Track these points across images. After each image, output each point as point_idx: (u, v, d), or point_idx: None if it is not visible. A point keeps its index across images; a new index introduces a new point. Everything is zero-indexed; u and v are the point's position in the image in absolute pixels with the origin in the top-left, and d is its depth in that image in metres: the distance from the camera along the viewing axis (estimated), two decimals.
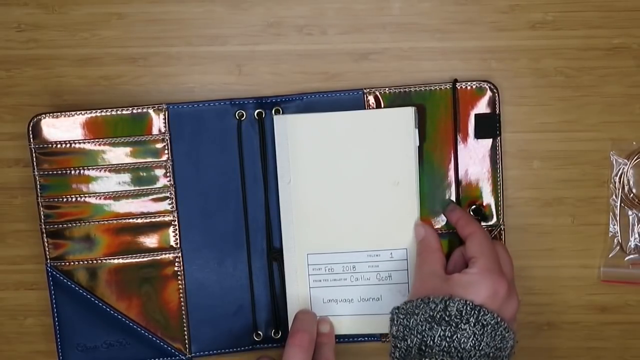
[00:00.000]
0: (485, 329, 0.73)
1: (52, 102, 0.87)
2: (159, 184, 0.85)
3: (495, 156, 0.85)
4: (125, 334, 0.86)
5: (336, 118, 0.83)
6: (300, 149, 0.83)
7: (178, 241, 0.86)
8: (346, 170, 0.83)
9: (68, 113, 0.83)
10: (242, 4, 0.86)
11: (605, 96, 0.86)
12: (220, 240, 0.86)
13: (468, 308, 0.73)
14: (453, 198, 0.85)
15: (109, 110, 0.84)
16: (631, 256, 0.88)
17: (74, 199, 0.84)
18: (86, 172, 0.84)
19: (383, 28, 0.86)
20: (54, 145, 0.83)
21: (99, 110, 0.83)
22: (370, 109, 0.85)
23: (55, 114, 0.83)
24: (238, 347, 0.87)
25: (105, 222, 0.85)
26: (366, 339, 0.87)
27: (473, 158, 0.85)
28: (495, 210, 0.85)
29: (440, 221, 0.85)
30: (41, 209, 0.84)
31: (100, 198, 0.84)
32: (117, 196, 0.84)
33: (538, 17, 0.85)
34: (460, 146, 0.84)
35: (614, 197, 0.87)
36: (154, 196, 0.85)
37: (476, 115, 0.84)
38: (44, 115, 0.83)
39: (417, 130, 0.82)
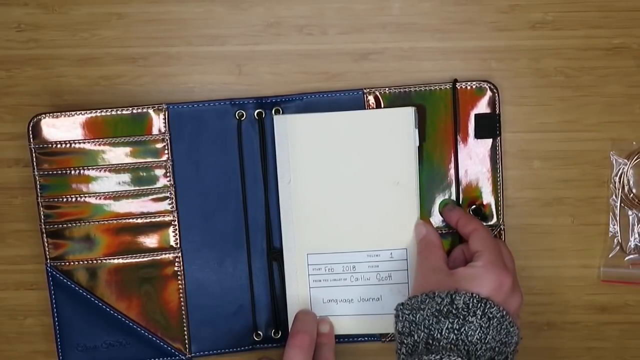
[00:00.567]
0: (492, 322, 0.72)
1: (52, 102, 0.87)
2: (159, 184, 0.85)
3: (495, 156, 0.85)
4: (125, 334, 0.86)
5: (336, 118, 0.83)
6: (300, 149, 0.83)
7: (178, 241, 0.86)
8: (346, 170, 0.83)
9: (68, 113, 0.83)
10: (242, 4, 0.86)
11: (605, 96, 0.86)
12: (220, 240, 0.86)
13: (475, 300, 0.73)
14: (453, 198, 0.85)
15: (109, 110, 0.84)
16: (631, 256, 0.88)
17: (74, 199, 0.84)
18: (86, 172, 0.84)
19: (383, 28, 0.86)
20: (54, 145, 0.83)
21: (99, 110, 0.83)
22: (370, 109, 0.85)
23: (55, 114, 0.83)
24: (238, 347, 0.87)
25: (105, 222, 0.85)
26: (366, 339, 0.87)
27: (473, 158, 0.85)
28: (495, 210, 0.85)
29: (440, 221, 0.85)
30: (41, 209, 0.84)
31: (100, 198, 0.84)
32: (117, 196, 0.84)
33: (538, 17, 0.85)
34: (460, 146, 0.85)
35: (614, 197, 0.87)
36: (154, 196, 0.85)
37: (476, 115, 0.84)
38: (44, 115, 0.83)
39: (417, 130, 0.82)
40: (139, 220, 0.85)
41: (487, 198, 0.85)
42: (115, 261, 0.85)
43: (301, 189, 0.83)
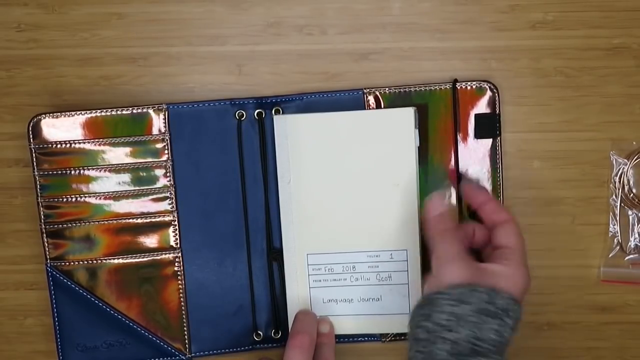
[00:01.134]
0: (517, 324, 0.73)
1: (52, 102, 0.87)
2: (159, 184, 0.85)
3: (495, 156, 0.85)
4: (125, 333, 0.86)
5: (336, 118, 0.83)
6: (300, 149, 0.83)
7: (178, 241, 0.86)
8: (346, 170, 0.83)
9: (68, 113, 0.83)
10: (242, 4, 0.86)
11: (605, 96, 0.86)
12: (220, 240, 0.86)
13: (512, 303, 0.72)
14: (453, 198, 0.85)
15: (109, 110, 0.84)
16: (631, 256, 0.88)
17: (74, 199, 0.84)
18: (86, 172, 0.84)
19: (383, 28, 0.86)
20: (54, 146, 0.83)
21: (99, 110, 0.83)
22: (370, 109, 0.85)
23: (55, 114, 0.83)
24: (238, 347, 0.87)
25: (105, 222, 0.85)
26: (366, 339, 0.87)
27: (473, 158, 0.85)
28: None
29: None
30: (41, 209, 0.84)
31: (100, 198, 0.84)
32: (117, 196, 0.84)
33: (538, 17, 0.85)
34: (460, 146, 0.85)
35: (614, 197, 0.87)
36: (154, 196, 0.85)
37: (476, 115, 0.84)
38: (44, 116, 0.83)
39: (417, 130, 0.82)
40: (139, 220, 0.85)
41: None
42: (115, 261, 0.85)
43: (301, 189, 0.83)
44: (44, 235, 0.84)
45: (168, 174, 0.85)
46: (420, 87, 0.84)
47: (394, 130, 0.82)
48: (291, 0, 0.86)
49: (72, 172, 0.84)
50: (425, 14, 0.86)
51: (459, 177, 0.85)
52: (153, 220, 0.85)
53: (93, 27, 0.87)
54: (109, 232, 0.85)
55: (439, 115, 0.84)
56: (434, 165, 0.85)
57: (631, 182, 0.87)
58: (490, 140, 0.85)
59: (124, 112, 0.84)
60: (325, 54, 0.86)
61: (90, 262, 0.85)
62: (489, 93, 0.84)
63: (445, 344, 0.71)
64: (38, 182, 0.84)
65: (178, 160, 0.85)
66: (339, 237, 0.84)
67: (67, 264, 0.85)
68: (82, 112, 0.83)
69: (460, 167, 0.85)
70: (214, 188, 0.85)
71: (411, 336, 0.74)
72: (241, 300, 0.87)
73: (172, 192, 0.85)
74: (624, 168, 0.86)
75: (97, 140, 0.84)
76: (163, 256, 0.86)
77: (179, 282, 0.86)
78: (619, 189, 0.86)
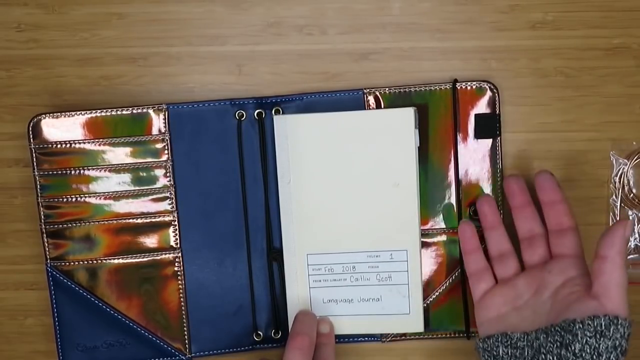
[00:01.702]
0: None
1: (52, 102, 0.87)
2: (159, 184, 0.85)
3: (495, 156, 0.85)
4: (125, 334, 0.86)
5: (336, 118, 0.83)
6: (300, 149, 0.83)
7: (178, 241, 0.86)
8: (346, 170, 0.83)
9: (68, 113, 0.83)
10: (242, 4, 0.86)
11: (605, 96, 0.86)
12: (220, 240, 0.86)
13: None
14: (453, 198, 0.85)
15: (109, 110, 0.84)
16: (631, 256, 0.87)
17: (74, 199, 0.84)
18: (86, 172, 0.84)
19: (383, 28, 0.86)
20: (54, 146, 0.83)
21: (99, 111, 0.83)
22: (370, 109, 0.85)
23: (55, 114, 0.83)
24: (238, 347, 0.87)
25: (105, 222, 0.85)
26: (366, 339, 0.87)
27: (473, 158, 0.85)
28: None
29: (439, 222, 0.85)
30: (41, 209, 0.84)
31: (100, 198, 0.84)
32: (117, 196, 0.84)
33: (538, 17, 0.85)
34: (460, 146, 0.85)
35: (614, 197, 0.87)
36: (154, 196, 0.85)
37: (476, 116, 0.84)
38: (44, 116, 0.83)
39: (417, 130, 0.82)
40: (139, 221, 0.85)
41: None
42: (116, 261, 0.85)
43: (301, 189, 0.83)
44: (44, 235, 0.84)
45: (168, 174, 0.85)
46: (420, 87, 0.84)
47: (394, 130, 0.82)
48: (291, 0, 0.86)
49: (72, 172, 0.84)
50: (425, 14, 0.86)
51: (457, 178, 0.85)
52: (153, 220, 0.85)
53: (93, 27, 0.87)
54: (109, 232, 0.85)
55: (439, 115, 0.84)
56: (434, 165, 0.85)
57: (631, 182, 0.87)
58: (490, 140, 0.85)
59: (124, 112, 0.84)
60: (325, 54, 0.86)
61: (91, 262, 0.85)
62: (489, 93, 0.84)
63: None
64: (38, 182, 0.84)
65: (178, 160, 0.85)
66: (339, 237, 0.84)
67: (67, 264, 0.85)
68: (82, 112, 0.83)
69: (460, 167, 0.85)
70: (214, 188, 0.85)
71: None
72: (241, 300, 0.87)
73: (172, 192, 0.85)
74: (624, 168, 0.86)
75: (97, 140, 0.84)
76: (163, 256, 0.86)
77: (179, 282, 0.86)
78: (619, 189, 0.86)
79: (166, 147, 0.85)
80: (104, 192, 0.84)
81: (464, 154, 0.85)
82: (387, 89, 0.85)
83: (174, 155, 0.85)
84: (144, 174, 0.85)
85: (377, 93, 0.85)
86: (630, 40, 0.85)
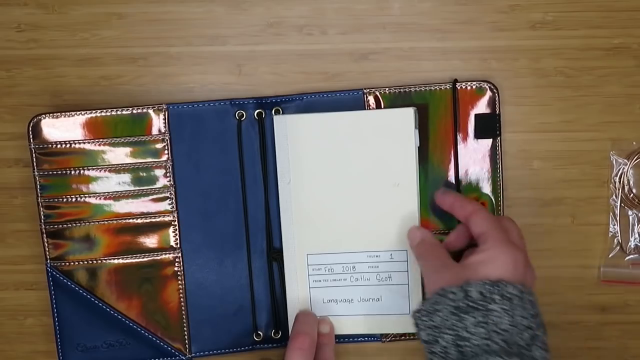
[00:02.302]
0: (513, 301, 0.70)
1: (52, 102, 0.87)
2: (159, 184, 0.85)
3: (495, 156, 0.85)
4: (125, 334, 0.86)
5: (336, 118, 0.83)
6: (300, 149, 0.83)
7: (178, 241, 0.86)
8: (346, 170, 0.83)
9: (68, 113, 0.83)
10: (242, 4, 0.86)
11: (605, 96, 0.86)
12: (220, 240, 0.86)
13: (487, 286, 0.70)
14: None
15: (109, 110, 0.84)
16: (631, 256, 0.88)
17: (74, 199, 0.84)
18: (86, 172, 0.84)
19: (383, 28, 0.86)
20: (54, 146, 0.83)
21: (99, 111, 0.83)
22: (370, 109, 0.85)
23: (55, 114, 0.83)
24: (238, 347, 0.87)
25: (105, 222, 0.85)
26: (366, 339, 0.87)
27: (473, 158, 0.85)
28: (495, 210, 0.85)
29: (440, 222, 0.85)
30: (41, 209, 0.84)
31: (100, 198, 0.84)
32: (117, 196, 0.84)
33: (538, 17, 0.85)
34: (460, 146, 0.84)
35: (614, 197, 0.87)
36: (154, 196, 0.85)
37: (476, 115, 0.84)
38: (44, 116, 0.83)
39: (417, 130, 0.82)
40: (139, 221, 0.85)
41: (487, 198, 0.85)
42: (116, 261, 0.85)
43: (301, 189, 0.83)
44: (44, 235, 0.84)
45: (168, 174, 0.85)
46: (420, 87, 0.84)
47: (394, 130, 0.82)
48: (291, 0, 0.86)
49: (72, 172, 0.84)
50: (425, 14, 0.86)
51: (457, 178, 0.85)
52: (153, 220, 0.85)
53: (93, 27, 0.87)
54: (109, 232, 0.85)
55: (439, 115, 0.84)
56: (434, 165, 0.85)
57: (631, 182, 0.87)
58: (490, 140, 0.85)
59: (124, 112, 0.84)
60: (325, 54, 0.86)
61: (91, 262, 0.85)
62: (489, 93, 0.84)
63: (436, 356, 0.71)
64: (38, 182, 0.84)
65: (178, 160, 0.85)
66: (339, 237, 0.84)
67: (67, 264, 0.85)
68: (82, 112, 0.83)
69: (460, 167, 0.85)
70: (214, 188, 0.85)
71: None
72: (241, 301, 0.87)
73: (172, 192, 0.85)
74: (624, 168, 0.86)
75: (97, 140, 0.84)
76: (163, 256, 0.86)
77: (179, 282, 0.86)
78: (619, 189, 0.86)
79: (166, 147, 0.84)
80: (104, 192, 0.84)
81: (464, 154, 0.85)
82: (387, 89, 0.85)
83: (174, 155, 0.85)
84: (144, 174, 0.85)
85: (377, 93, 0.85)
86: (630, 40, 0.85)
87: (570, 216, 0.87)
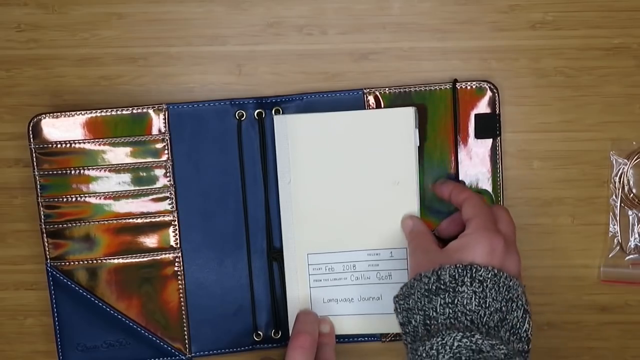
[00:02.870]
0: (485, 284, 0.71)
1: (52, 102, 0.87)
2: (159, 184, 0.85)
3: (495, 156, 0.85)
4: (126, 333, 0.86)
5: (336, 118, 0.83)
6: (300, 149, 0.83)
7: (178, 241, 0.86)
8: (346, 170, 0.83)
9: (68, 113, 0.83)
10: (242, 4, 0.86)
11: (605, 96, 0.86)
12: (220, 240, 0.86)
13: (459, 270, 0.71)
14: None
15: (109, 110, 0.84)
16: (631, 256, 0.88)
17: (74, 199, 0.84)
18: (86, 172, 0.84)
19: (383, 28, 0.86)
20: (54, 146, 0.83)
21: (99, 110, 0.83)
22: (370, 109, 0.85)
23: (55, 114, 0.83)
24: (238, 347, 0.87)
25: (106, 222, 0.85)
26: (366, 339, 0.87)
27: (473, 158, 0.85)
28: None
29: (439, 221, 0.85)
30: (41, 208, 0.84)
31: (100, 198, 0.84)
32: (117, 196, 0.84)
33: (538, 17, 0.85)
34: (460, 146, 0.84)
35: (614, 197, 0.87)
36: (154, 196, 0.85)
37: (476, 115, 0.84)
38: (44, 116, 0.83)
39: (417, 130, 0.82)
40: (139, 220, 0.85)
41: (487, 198, 0.85)
42: (116, 261, 0.85)
43: (301, 189, 0.83)
44: (44, 235, 0.84)
45: (168, 174, 0.85)
46: (420, 87, 0.84)
47: (394, 130, 0.82)
48: (291, 0, 0.86)
49: (72, 172, 0.84)
50: (425, 14, 0.86)
51: (457, 178, 0.85)
52: (153, 220, 0.85)
53: (93, 27, 0.87)
54: (109, 232, 0.85)
55: (439, 115, 0.84)
56: (434, 165, 0.85)
57: (631, 182, 0.87)
58: (490, 140, 0.85)
59: (124, 112, 0.84)
60: (325, 54, 0.86)
61: (91, 262, 0.85)
62: (489, 93, 0.84)
63: (407, 336, 0.73)
64: (38, 182, 0.84)
65: (178, 160, 0.85)
66: (339, 236, 0.84)
67: (67, 263, 0.85)
68: (82, 112, 0.83)
69: (460, 167, 0.85)
70: (214, 188, 0.85)
71: None
72: (241, 300, 0.87)
73: (172, 192, 0.85)
74: (624, 168, 0.86)
75: (97, 140, 0.84)
76: (163, 256, 0.86)
77: (179, 282, 0.86)
78: (619, 189, 0.86)
79: (166, 147, 0.84)
80: (104, 192, 0.84)
81: (464, 154, 0.85)
82: (387, 89, 0.85)
83: (174, 155, 0.85)
84: (144, 174, 0.85)
85: (377, 93, 0.85)
86: (630, 40, 0.85)
87: (570, 216, 0.87)
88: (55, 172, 0.84)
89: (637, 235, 0.87)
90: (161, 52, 0.87)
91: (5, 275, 0.89)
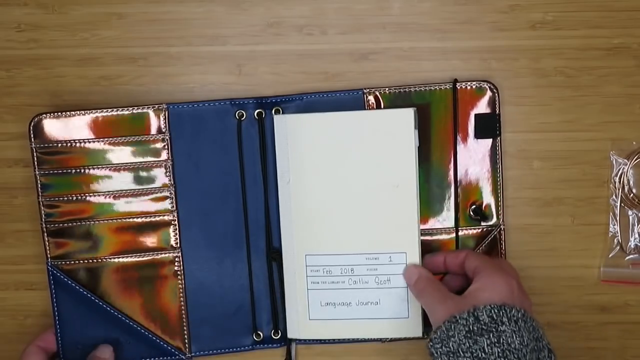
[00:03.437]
0: (519, 323, 0.73)
1: (52, 102, 0.87)
2: (159, 184, 0.85)
3: (495, 156, 0.85)
4: (126, 333, 0.86)
5: (336, 118, 0.83)
6: (300, 149, 0.83)
7: (178, 241, 0.86)
8: (346, 171, 0.82)
9: (69, 113, 0.83)
10: (242, 4, 0.86)
11: (605, 96, 0.86)
12: (220, 240, 0.86)
13: (495, 310, 0.73)
14: (452, 198, 0.85)
15: (109, 110, 0.84)
16: (631, 256, 0.88)
17: (74, 198, 0.84)
18: (87, 172, 0.84)
19: (383, 28, 0.86)
20: (55, 145, 0.83)
21: (100, 110, 0.83)
22: (370, 109, 0.85)
23: (56, 113, 0.83)
24: (238, 347, 0.87)
25: (106, 222, 0.85)
26: (366, 339, 0.87)
27: (473, 158, 0.85)
28: (495, 210, 0.85)
29: (441, 221, 0.85)
30: (42, 208, 0.84)
31: (100, 197, 0.84)
32: (117, 195, 0.85)
33: (538, 17, 0.85)
34: (460, 146, 0.84)
35: (614, 197, 0.87)
36: (154, 196, 0.85)
37: (476, 115, 0.84)
38: (44, 115, 0.83)
39: (417, 131, 0.82)
40: (139, 220, 0.85)
41: (487, 198, 0.85)
42: (116, 260, 0.85)
43: (300, 189, 0.83)
44: (45, 234, 0.84)
45: (168, 174, 0.85)
46: (421, 87, 0.84)
47: (393, 131, 0.81)
48: (291, 0, 0.86)
49: (73, 171, 0.84)
50: (425, 14, 0.86)
51: (457, 178, 0.85)
52: (153, 219, 0.85)
53: (93, 27, 0.87)
54: (109, 232, 0.85)
55: (439, 116, 0.84)
56: (433, 165, 0.85)
57: (631, 182, 0.87)
58: (490, 140, 0.85)
59: (124, 112, 0.84)
60: (325, 54, 0.86)
61: (91, 261, 0.85)
62: (489, 93, 0.84)
63: None
64: (39, 182, 0.84)
65: (178, 160, 0.85)
66: (337, 238, 0.83)
67: (68, 263, 0.85)
68: (83, 112, 0.83)
69: (460, 167, 0.85)
70: (214, 188, 0.85)
71: None
72: (241, 300, 0.87)
73: (172, 192, 0.85)
74: (624, 168, 0.86)
75: (97, 140, 0.84)
76: (163, 256, 0.86)
77: (179, 281, 0.86)
78: (619, 189, 0.86)
79: (166, 147, 0.85)
80: (105, 192, 0.84)
81: (464, 154, 0.85)
82: (387, 89, 0.85)
83: (174, 154, 0.85)
84: (144, 174, 0.85)
85: (377, 93, 0.85)
86: (630, 40, 0.85)
87: (570, 216, 0.87)
88: (56, 171, 0.84)
89: (637, 235, 0.87)
90: (161, 52, 0.87)
91: (5, 275, 0.89)
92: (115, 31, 0.87)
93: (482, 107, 0.84)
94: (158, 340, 0.86)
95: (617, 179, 0.86)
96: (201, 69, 0.87)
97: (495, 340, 0.72)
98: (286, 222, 0.84)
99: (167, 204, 0.85)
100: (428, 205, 0.85)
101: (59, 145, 0.83)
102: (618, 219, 0.87)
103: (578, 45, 0.85)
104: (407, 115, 0.81)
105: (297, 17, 0.86)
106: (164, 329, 0.86)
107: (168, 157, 0.85)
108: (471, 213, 0.85)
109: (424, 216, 0.84)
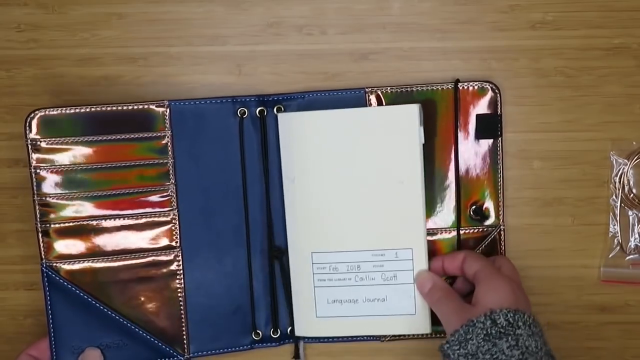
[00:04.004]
0: (532, 328, 0.74)
1: (52, 102, 0.87)
2: (159, 182, 0.85)
3: (495, 156, 0.85)
4: (123, 334, 0.85)
5: (341, 115, 0.82)
6: (304, 147, 0.83)
7: (178, 240, 0.85)
8: (351, 168, 0.82)
9: (67, 108, 0.83)
10: (242, 4, 0.86)
11: (605, 96, 0.86)
12: (221, 239, 0.86)
13: (511, 314, 0.73)
14: (453, 198, 0.85)
15: (109, 106, 0.83)
16: (631, 256, 0.88)
17: (71, 197, 0.84)
18: (85, 169, 0.83)
19: (383, 28, 0.86)
20: (51, 141, 0.83)
21: (99, 106, 0.83)
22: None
23: (52, 108, 0.82)
24: (237, 347, 0.87)
25: (105, 221, 0.84)
26: (365, 338, 0.87)
27: (473, 158, 0.85)
28: (495, 210, 0.85)
29: (442, 220, 0.85)
30: (37, 207, 0.83)
31: (99, 196, 0.84)
32: (117, 194, 0.84)
33: (538, 17, 0.86)
34: (461, 146, 0.84)
35: (614, 197, 0.87)
36: (155, 194, 0.85)
37: (477, 116, 0.84)
38: (41, 110, 0.82)
39: (422, 127, 0.82)
40: (139, 219, 0.85)
41: (487, 198, 0.85)
42: (115, 260, 0.85)
43: (306, 187, 0.83)
44: (40, 234, 0.84)
45: (169, 172, 0.85)
46: (422, 86, 0.84)
47: (398, 128, 0.81)
48: (291, 0, 0.86)
49: (70, 168, 0.83)
50: (425, 14, 0.86)
51: (458, 177, 0.85)
52: (153, 219, 0.85)
53: (93, 27, 0.87)
54: (108, 231, 0.84)
55: (440, 115, 0.84)
56: (434, 164, 0.85)
57: (631, 182, 0.87)
58: (491, 140, 0.85)
59: (124, 108, 0.83)
60: (325, 54, 0.87)
61: (89, 261, 0.84)
62: (490, 93, 0.84)
63: None
64: (34, 179, 0.83)
65: (179, 157, 0.85)
66: (343, 235, 0.83)
67: (64, 263, 0.84)
68: (82, 108, 0.83)
69: (460, 166, 0.85)
70: (215, 186, 0.85)
71: None
72: (240, 300, 0.87)
73: (173, 190, 0.85)
74: (624, 168, 0.86)
75: (96, 136, 0.83)
76: (163, 255, 0.85)
77: (179, 281, 0.86)
78: (619, 189, 0.86)
79: (167, 144, 0.84)
80: (104, 190, 0.84)
81: (464, 154, 0.85)
82: (388, 88, 0.85)
83: (176, 152, 0.84)
84: (145, 171, 0.84)
85: (379, 92, 0.85)
86: (630, 40, 0.86)
87: (570, 216, 0.87)
88: (52, 168, 0.83)
89: (637, 236, 0.87)
90: (161, 52, 0.87)
91: (5, 275, 0.89)
92: (115, 31, 0.87)
93: (483, 107, 0.84)
94: (156, 341, 0.86)
95: (617, 179, 0.87)
96: (201, 69, 0.87)
97: (514, 342, 0.72)
98: (292, 219, 0.84)
99: (167, 202, 0.85)
100: (429, 205, 0.85)
101: (55, 141, 0.83)
102: (618, 219, 0.87)
103: (578, 45, 0.86)
104: (412, 111, 0.81)
105: (297, 17, 0.86)
106: (162, 329, 0.86)
107: (169, 155, 0.84)
108: (471, 213, 0.85)
109: (428, 215, 0.84)
